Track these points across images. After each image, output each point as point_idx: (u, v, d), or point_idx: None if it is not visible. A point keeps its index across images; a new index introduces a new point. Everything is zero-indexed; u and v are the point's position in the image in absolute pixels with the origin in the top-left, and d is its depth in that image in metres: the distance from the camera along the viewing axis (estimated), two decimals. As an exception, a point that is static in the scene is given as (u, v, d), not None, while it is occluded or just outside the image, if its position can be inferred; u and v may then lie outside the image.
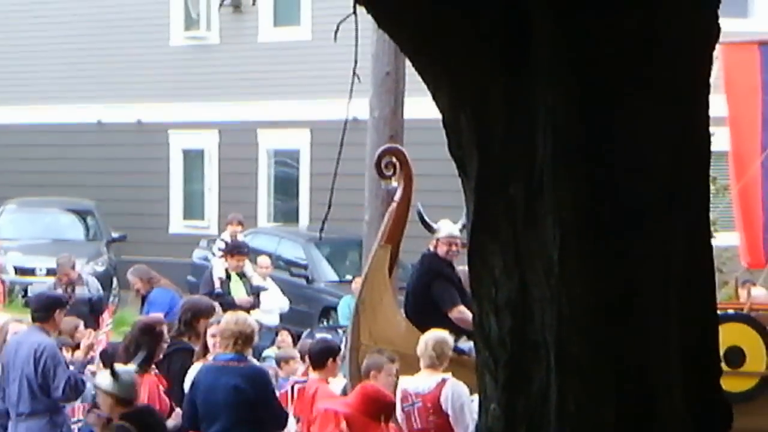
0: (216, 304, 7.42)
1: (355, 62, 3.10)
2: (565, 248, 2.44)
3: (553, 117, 2.45)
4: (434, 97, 2.65)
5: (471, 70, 2.54)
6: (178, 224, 18.33)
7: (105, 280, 14.11)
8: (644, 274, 2.47)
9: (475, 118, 2.56)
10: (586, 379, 2.45)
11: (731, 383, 5.76)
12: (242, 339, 5.92)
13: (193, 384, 6.02)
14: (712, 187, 2.75)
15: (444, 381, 6.15)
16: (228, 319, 6.14)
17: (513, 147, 2.51)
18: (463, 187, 2.65)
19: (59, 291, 9.89)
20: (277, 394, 6.48)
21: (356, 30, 2.97)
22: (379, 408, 5.37)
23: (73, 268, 10.86)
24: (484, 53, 2.51)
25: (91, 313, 9.90)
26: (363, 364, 6.21)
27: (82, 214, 16.89)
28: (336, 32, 3.04)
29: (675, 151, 2.49)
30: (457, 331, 6.87)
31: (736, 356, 6.66)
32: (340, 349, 7.33)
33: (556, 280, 2.45)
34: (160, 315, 7.86)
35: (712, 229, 2.72)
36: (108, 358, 6.65)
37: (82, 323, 8.08)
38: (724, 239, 9.76)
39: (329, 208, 3.14)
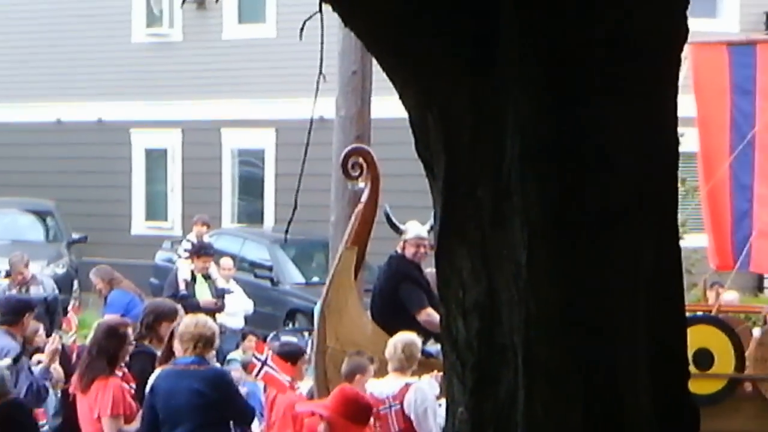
0: (179, 307, 7.34)
1: (321, 60, 3.06)
2: (532, 250, 2.42)
3: (521, 118, 2.43)
4: (401, 97, 2.62)
5: (438, 70, 2.51)
6: (140, 225, 18.16)
7: (65, 282, 13.92)
8: (612, 275, 2.46)
9: (442, 118, 2.53)
10: (554, 382, 2.44)
11: (699, 385, 5.80)
12: (202, 342, 5.85)
13: (152, 389, 5.93)
14: (681, 188, 2.75)
15: (407, 386, 6.11)
16: (187, 322, 6.05)
17: (481, 148, 2.49)
18: (430, 188, 2.62)
19: (14, 292, 9.71)
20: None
21: (322, 28, 2.93)
22: (359, 410, 5.33)
23: (26, 266, 10.63)
24: (451, 53, 2.49)
25: (48, 314, 9.73)
26: (345, 367, 6.16)
27: (41, 215, 16.64)
28: (301, 30, 2.99)
29: (643, 152, 2.48)
30: (424, 333, 6.85)
31: (705, 358, 6.68)
32: (305, 352, 7.29)
33: (524, 282, 2.43)
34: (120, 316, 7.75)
35: (680, 230, 2.71)
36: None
37: (41, 327, 7.94)
38: (693, 241, 9.82)
39: (295, 208, 3.09)
